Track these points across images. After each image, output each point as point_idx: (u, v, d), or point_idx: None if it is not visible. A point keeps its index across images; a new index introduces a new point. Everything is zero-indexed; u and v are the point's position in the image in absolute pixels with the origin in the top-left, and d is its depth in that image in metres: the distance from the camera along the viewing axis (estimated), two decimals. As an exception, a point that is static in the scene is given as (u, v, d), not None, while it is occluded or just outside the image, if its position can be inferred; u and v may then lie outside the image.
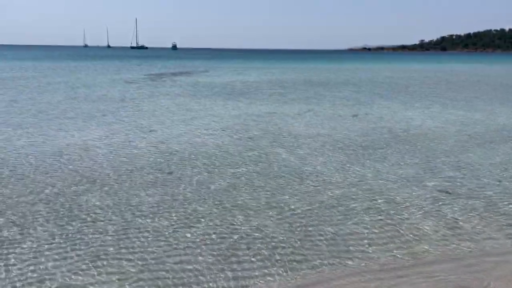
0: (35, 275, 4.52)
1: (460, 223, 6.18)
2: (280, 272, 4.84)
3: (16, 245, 5.21)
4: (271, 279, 4.71)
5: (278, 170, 8.68)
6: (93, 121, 14.10)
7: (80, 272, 4.60)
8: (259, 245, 5.42)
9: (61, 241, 5.36)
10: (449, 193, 7.42)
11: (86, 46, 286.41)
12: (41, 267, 4.70)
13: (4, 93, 21.64)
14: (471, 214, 6.47)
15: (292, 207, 6.71)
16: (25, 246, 5.21)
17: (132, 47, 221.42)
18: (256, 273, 4.80)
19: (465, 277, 4.81)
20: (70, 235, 5.57)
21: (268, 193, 7.33)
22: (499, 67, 69.45)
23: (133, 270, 4.70)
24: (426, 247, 5.46)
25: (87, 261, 4.84)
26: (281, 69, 54.88)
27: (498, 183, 8.00)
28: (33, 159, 9.23)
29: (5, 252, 5.01)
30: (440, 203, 6.96)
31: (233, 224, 6.03)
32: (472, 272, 4.89)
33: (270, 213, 6.48)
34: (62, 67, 49.03)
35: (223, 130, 12.79)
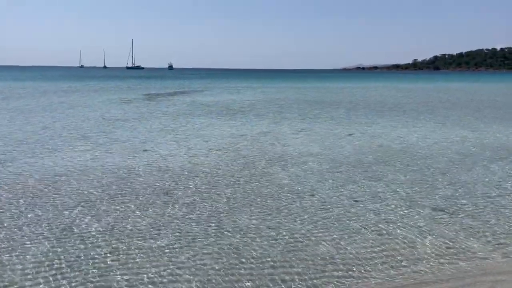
0: None
1: (458, 241, 6.17)
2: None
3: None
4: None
5: (273, 188, 8.66)
6: (88, 141, 14.09)
7: None
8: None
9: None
10: (445, 211, 7.43)
11: (82, 66, 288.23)
12: None
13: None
14: (466, 233, 6.47)
15: (289, 227, 6.66)
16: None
17: (128, 67, 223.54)
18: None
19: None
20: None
21: (261, 209, 7.37)
22: (491, 86, 70.30)
23: None
24: (423, 267, 5.44)
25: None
26: (276, 88, 55.47)
27: (488, 199, 8.04)
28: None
29: None
30: (436, 222, 6.96)
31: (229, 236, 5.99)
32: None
33: (268, 232, 6.44)
34: (61, 88, 49.10)
35: (215, 150, 12.79)
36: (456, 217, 7.15)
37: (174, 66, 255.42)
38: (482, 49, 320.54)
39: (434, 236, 6.33)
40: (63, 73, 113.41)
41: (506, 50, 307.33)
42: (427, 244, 6.08)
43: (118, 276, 5.07)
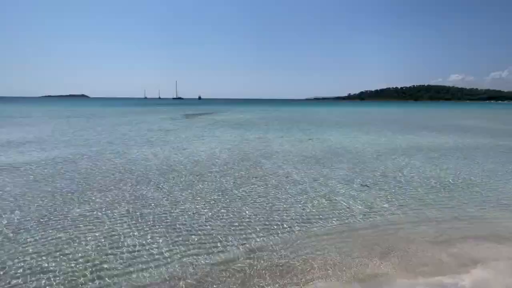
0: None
1: (375, 204, 6.26)
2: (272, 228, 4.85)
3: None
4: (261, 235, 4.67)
5: (262, 172, 8.70)
6: (151, 143, 14.08)
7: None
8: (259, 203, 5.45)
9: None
10: (368, 186, 7.48)
11: (146, 98, 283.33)
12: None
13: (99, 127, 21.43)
14: (380, 199, 6.57)
15: (273, 195, 6.74)
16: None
17: (173, 98, 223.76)
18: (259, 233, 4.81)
19: (378, 238, 4.87)
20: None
21: (256, 184, 7.39)
22: (395, 110, 70.59)
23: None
24: (353, 219, 5.52)
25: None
26: (266, 111, 55.17)
27: (394, 178, 8.08)
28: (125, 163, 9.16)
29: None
30: (362, 192, 7.05)
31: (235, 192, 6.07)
32: (383, 235, 4.96)
33: (258, 199, 6.49)
34: (134, 111, 48.96)
35: (227, 149, 12.78)
36: (375, 190, 7.25)
37: (202, 97, 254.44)
38: (389, 87, 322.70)
39: (361, 201, 6.45)
40: (134, 102, 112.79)
41: (403, 88, 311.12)
42: (357, 205, 6.20)
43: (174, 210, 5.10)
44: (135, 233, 4.83)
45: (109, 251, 4.29)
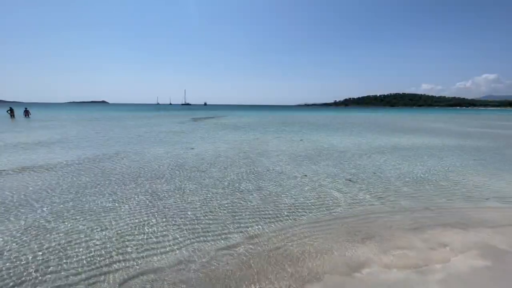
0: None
1: (358, 196, 6.27)
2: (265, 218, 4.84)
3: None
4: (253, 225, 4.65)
5: (259, 168, 8.70)
6: (164, 143, 13.98)
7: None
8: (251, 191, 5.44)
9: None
10: (351, 181, 7.49)
11: (158, 104, 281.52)
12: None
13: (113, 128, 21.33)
14: (362, 191, 6.59)
15: (269, 188, 6.73)
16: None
17: (182, 104, 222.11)
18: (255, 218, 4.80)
19: (360, 225, 4.88)
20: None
21: (254, 179, 7.38)
22: (375, 115, 70.76)
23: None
24: (339, 209, 5.53)
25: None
26: (262, 115, 55.13)
27: (374, 174, 8.12)
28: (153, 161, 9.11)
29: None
30: (347, 185, 7.06)
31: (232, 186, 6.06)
32: (364, 222, 4.97)
33: (255, 192, 6.49)
34: (147, 115, 48.72)
35: (229, 148, 12.74)
36: (357, 183, 7.26)
37: (207, 103, 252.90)
38: (369, 95, 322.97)
39: (345, 193, 6.46)
40: (148, 107, 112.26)
41: (382, 95, 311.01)
42: (342, 197, 6.20)
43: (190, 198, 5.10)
44: (153, 221, 4.82)
45: (128, 238, 4.29)
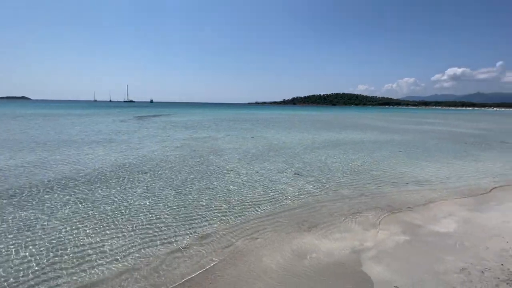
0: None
1: (304, 188, 6.65)
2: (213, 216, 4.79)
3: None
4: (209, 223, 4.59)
5: (210, 166, 8.57)
6: (99, 144, 12.59)
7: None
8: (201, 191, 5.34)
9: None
10: (299, 174, 7.91)
11: (95, 101, 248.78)
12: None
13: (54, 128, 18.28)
14: (308, 183, 7.02)
15: (220, 187, 6.69)
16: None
17: (125, 101, 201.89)
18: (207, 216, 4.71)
19: (307, 215, 5.20)
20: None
21: (205, 178, 7.25)
22: (319, 113, 75.76)
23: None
24: (288, 201, 5.79)
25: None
26: (214, 113, 54.20)
27: (318, 167, 8.73)
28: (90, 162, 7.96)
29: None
30: (295, 179, 7.44)
31: (186, 187, 5.87)
32: (310, 212, 5.30)
33: (208, 191, 6.39)
34: (86, 113, 43.22)
35: (179, 147, 12.22)
36: (304, 177, 7.71)
37: (154, 100, 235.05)
38: (314, 94, 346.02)
39: (293, 186, 6.79)
40: (83, 104, 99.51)
41: (325, 95, 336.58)
42: (290, 190, 6.50)
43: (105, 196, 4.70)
44: (88, 231, 4.33)
45: (63, 250, 3.78)
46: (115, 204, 5.42)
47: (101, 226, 4.51)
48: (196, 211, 5.18)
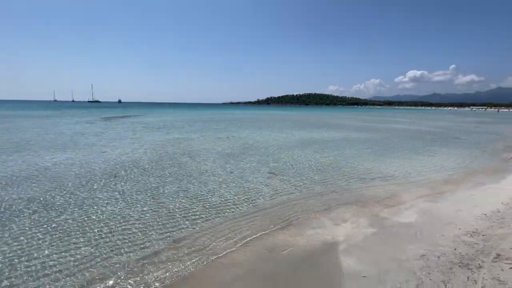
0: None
1: (279, 187, 6.78)
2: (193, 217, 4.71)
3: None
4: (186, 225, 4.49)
5: (185, 169, 8.38)
6: (62, 147, 11.65)
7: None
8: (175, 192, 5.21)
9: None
10: (273, 173, 8.03)
11: (55, 100, 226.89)
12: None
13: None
14: (283, 182, 7.16)
15: (195, 189, 6.57)
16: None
17: (90, 101, 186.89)
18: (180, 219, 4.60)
19: (281, 213, 5.29)
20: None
21: (179, 180, 7.08)
22: (293, 113, 77.29)
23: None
24: (262, 200, 5.86)
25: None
26: (186, 114, 52.89)
27: (292, 166, 8.96)
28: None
29: None
30: (269, 178, 7.54)
31: (158, 191, 5.69)
32: (284, 210, 5.41)
33: (181, 194, 6.25)
34: (46, 114, 39.68)
35: (150, 149, 11.77)
36: (279, 175, 7.84)
37: (122, 101, 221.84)
38: (288, 94, 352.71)
39: (268, 186, 6.87)
40: (45, 105, 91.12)
41: (298, 95, 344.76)
42: (265, 189, 6.60)
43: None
44: (49, 242, 4.01)
45: (15, 267, 3.45)
46: (76, 212, 5.08)
47: (64, 236, 4.20)
48: (169, 215, 5.04)
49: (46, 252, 3.78)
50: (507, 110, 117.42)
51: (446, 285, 3.10)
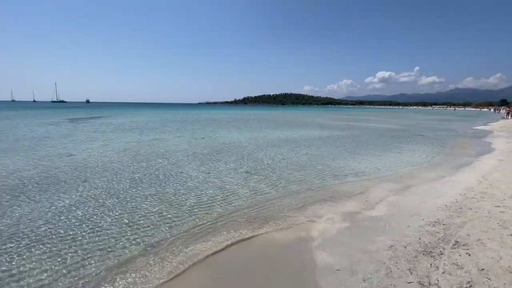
0: None
1: (255, 186, 6.83)
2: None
3: None
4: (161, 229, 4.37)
5: (159, 171, 8.12)
6: (21, 150, 10.71)
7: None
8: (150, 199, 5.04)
9: None
10: (250, 173, 8.05)
11: (13, 101, 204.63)
12: None
13: None
14: (260, 182, 7.21)
15: (170, 191, 6.40)
16: None
17: (53, 101, 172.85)
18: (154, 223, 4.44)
19: (258, 212, 5.33)
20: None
21: (152, 183, 6.85)
22: (270, 113, 78.08)
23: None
24: (240, 201, 5.85)
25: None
26: (160, 114, 51.21)
27: (268, 165, 9.03)
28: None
29: None
30: (246, 179, 7.55)
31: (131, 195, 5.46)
32: (261, 209, 5.45)
33: (156, 197, 6.06)
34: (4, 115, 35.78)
35: (121, 151, 11.25)
36: (255, 175, 7.84)
37: (91, 101, 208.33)
38: (265, 94, 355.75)
39: (245, 186, 6.91)
40: (1, 106, 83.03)
41: (274, 95, 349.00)
42: (242, 190, 6.61)
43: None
44: (11, 254, 3.67)
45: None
46: (39, 220, 4.71)
47: (22, 248, 3.87)
48: (143, 220, 4.86)
49: (5, 266, 3.46)
50: (462, 108, 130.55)
51: (412, 273, 3.32)
